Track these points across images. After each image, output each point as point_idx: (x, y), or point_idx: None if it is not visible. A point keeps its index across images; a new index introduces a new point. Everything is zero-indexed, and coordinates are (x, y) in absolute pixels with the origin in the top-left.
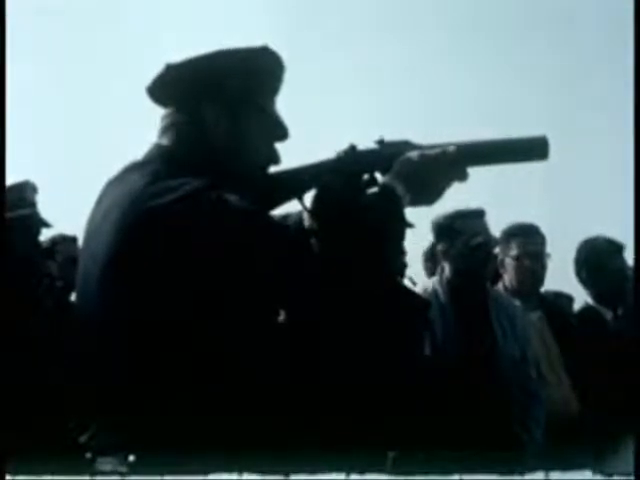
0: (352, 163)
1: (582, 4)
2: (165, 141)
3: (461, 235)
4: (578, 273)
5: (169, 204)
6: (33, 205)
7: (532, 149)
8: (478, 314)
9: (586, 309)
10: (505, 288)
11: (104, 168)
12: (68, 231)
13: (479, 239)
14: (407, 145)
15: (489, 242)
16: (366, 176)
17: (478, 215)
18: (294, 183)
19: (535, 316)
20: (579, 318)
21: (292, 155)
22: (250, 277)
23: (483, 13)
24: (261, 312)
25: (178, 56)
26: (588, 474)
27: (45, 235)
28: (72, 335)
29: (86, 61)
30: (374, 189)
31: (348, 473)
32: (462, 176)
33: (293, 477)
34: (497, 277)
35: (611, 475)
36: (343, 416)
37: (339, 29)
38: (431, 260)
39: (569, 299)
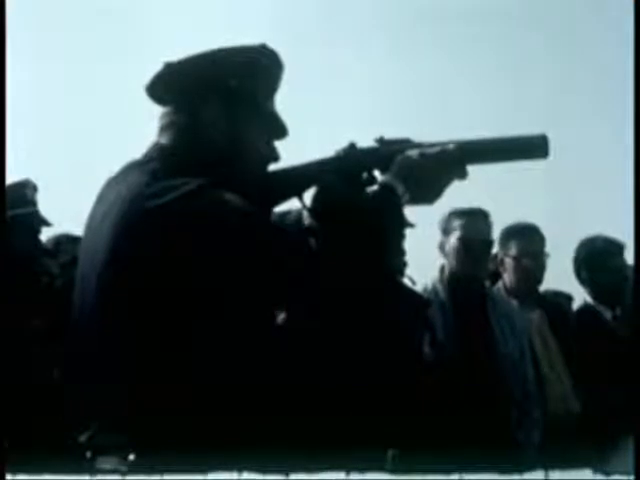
0: (352, 161)
1: (582, 3)
2: (164, 140)
3: (455, 232)
4: (577, 272)
5: (168, 204)
6: (33, 204)
7: (532, 147)
8: (476, 313)
9: (585, 308)
10: (505, 287)
11: (104, 167)
12: (68, 230)
13: (463, 235)
14: (407, 143)
15: (477, 240)
16: (365, 175)
17: (476, 214)
18: (293, 181)
19: (535, 315)
20: (578, 317)
21: (292, 153)
22: (249, 277)
23: (483, 12)
24: (261, 311)
25: (177, 55)
26: (588, 474)
27: (50, 235)
28: (71, 334)
29: (86, 61)
30: (374, 188)
31: (348, 473)
32: (462, 174)
33: (293, 477)
34: (497, 276)
35: (611, 475)
36: (343, 416)
37: (339, 27)
38: None
39: (568, 298)
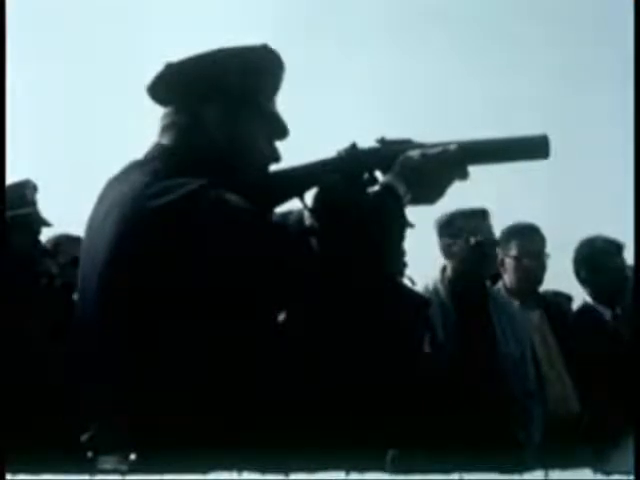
0: (353, 162)
1: (583, 3)
2: (165, 140)
3: (462, 234)
4: (577, 272)
5: (169, 204)
6: (33, 204)
7: (533, 148)
8: (478, 313)
9: (585, 308)
10: (505, 287)
11: (104, 168)
12: (68, 230)
13: (478, 238)
14: (408, 144)
15: (490, 242)
16: (366, 175)
17: (482, 215)
18: (295, 182)
19: (535, 315)
20: (578, 317)
21: (293, 153)
22: (250, 276)
23: (484, 12)
24: (261, 311)
25: (178, 56)
26: (588, 473)
27: (49, 235)
28: (72, 334)
29: (86, 61)
30: (375, 188)
31: (348, 472)
32: (463, 175)
33: (293, 477)
34: (497, 276)
35: (611, 474)
36: (343, 415)
37: (340, 28)
38: None
39: (568, 298)
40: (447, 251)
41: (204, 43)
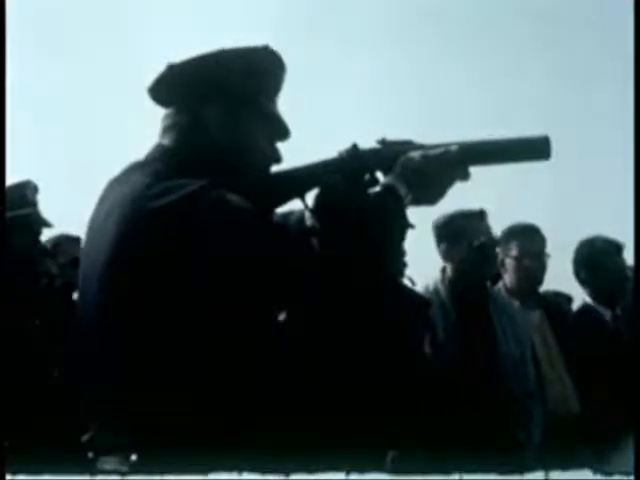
0: (354, 163)
1: (583, 4)
2: (167, 141)
3: (463, 236)
4: (577, 273)
5: (170, 204)
6: (34, 205)
7: (535, 149)
8: (478, 313)
9: (585, 308)
10: (505, 288)
11: (105, 168)
12: (68, 231)
13: (482, 240)
14: (409, 145)
15: (491, 243)
16: (367, 176)
17: (480, 216)
18: (296, 182)
19: (535, 316)
20: (578, 317)
21: (294, 154)
22: (250, 277)
23: (485, 12)
24: (261, 311)
25: (178, 56)
26: (588, 474)
27: (49, 236)
28: (73, 334)
29: (86, 61)
30: (376, 189)
31: (348, 473)
32: (464, 176)
33: (293, 477)
34: (497, 277)
35: (611, 475)
36: (343, 416)
37: (340, 28)
38: None
39: (568, 299)
40: (447, 253)
41: (204, 44)
